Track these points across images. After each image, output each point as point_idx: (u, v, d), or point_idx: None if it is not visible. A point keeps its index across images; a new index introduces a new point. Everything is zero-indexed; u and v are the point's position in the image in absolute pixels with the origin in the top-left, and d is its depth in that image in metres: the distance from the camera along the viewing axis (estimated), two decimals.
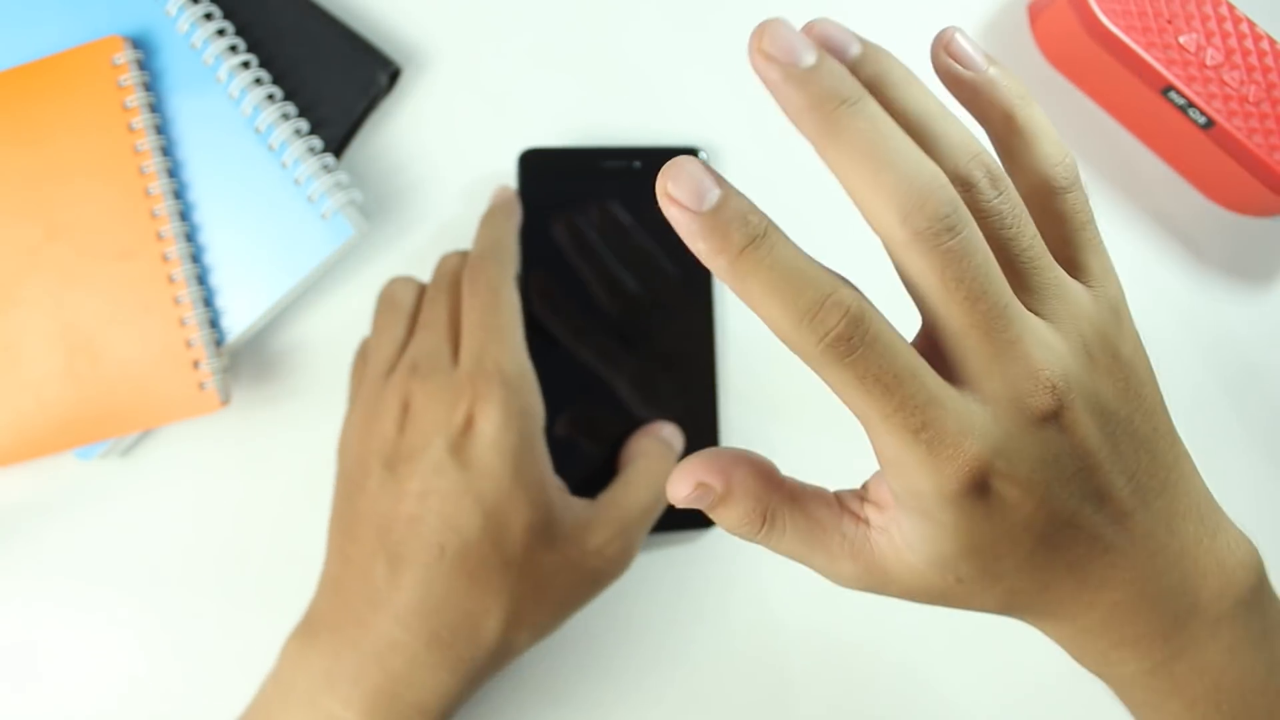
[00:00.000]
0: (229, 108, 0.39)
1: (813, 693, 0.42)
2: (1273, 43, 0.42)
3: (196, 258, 0.39)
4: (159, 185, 0.38)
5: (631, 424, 0.40)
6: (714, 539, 0.42)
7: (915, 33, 0.45)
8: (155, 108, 0.39)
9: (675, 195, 0.21)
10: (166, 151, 0.39)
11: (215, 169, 0.39)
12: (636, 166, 0.42)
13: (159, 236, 0.38)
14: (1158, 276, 0.46)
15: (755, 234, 0.21)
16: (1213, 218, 0.47)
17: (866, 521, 0.25)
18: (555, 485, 0.36)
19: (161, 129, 0.39)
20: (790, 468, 0.26)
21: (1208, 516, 0.26)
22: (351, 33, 0.41)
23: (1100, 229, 0.26)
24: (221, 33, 0.40)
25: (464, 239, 0.40)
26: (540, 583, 0.35)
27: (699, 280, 0.42)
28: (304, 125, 0.40)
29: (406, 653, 0.33)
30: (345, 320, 0.41)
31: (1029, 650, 0.43)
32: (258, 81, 0.40)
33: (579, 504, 0.37)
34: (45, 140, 0.39)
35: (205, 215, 0.39)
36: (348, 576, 0.35)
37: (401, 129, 0.42)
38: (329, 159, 0.40)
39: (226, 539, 0.40)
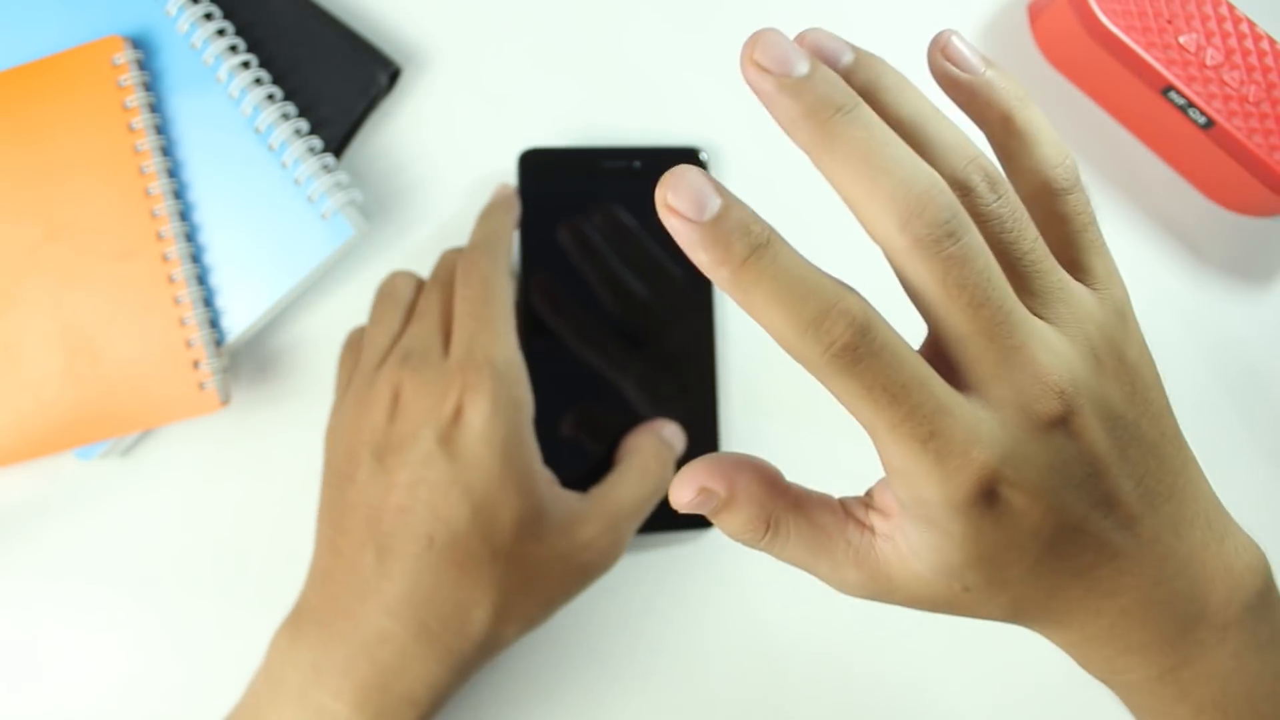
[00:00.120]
0: (229, 108, 0.39)
1: (810, 693, 0.42)
2: (1273, 43, 0.42)
3: (196, 258, 0.39)
4: (159, 185, 0.38)
5: (631, 422, 0.40)
6: (713, 539, 0.42)
7: (915, 34, 0.45)
8: (155, 108, 0.39)
9: (675, 205, 0.21)
10: (166, 151, 0.39)
11: (215, 169, 0.39)
12: (636, 167, 0.42)
13: (159, 236, 0.38)
14: (1158, 277, 0.46)
15: (757, 243, 0.21)
16: (1213, 218, 0.47)
17: (871, 529, 0.25)
18: (545, 477, 0.36)
19: (161, 129, 0.39)
20: (789, 469, 0.26)
21: (1215, 521, 0.26)
22: (351, 33, 0.41)
23: (1102, 230, 0.25)
24: (221, 33, 0.40)
25: (464, 238, 0.40)
26: (529, 574, 0.35)
27: (699, 280, 0.42)
28: (304, 125, 0.40)
29: (395, 644, 0.33)
30: (345, 320, 0.41)
31: (1027, 652, 0.43)
32: (258, 81, 0.40)
33: (569, 496, 0.37)
34: (45, 140, 0.39)
35: (205, 215, 0.39)
36: (336, 568, 0.35)
37: (401, 129, 0.42)
38: (329, 159, 0.40)
39: (226, 539, 0.40)
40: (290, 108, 0.40)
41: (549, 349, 0.40)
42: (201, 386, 0.38)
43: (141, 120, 0.39)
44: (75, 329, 0.38)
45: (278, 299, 0.39)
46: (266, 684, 0.34)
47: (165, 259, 0.38)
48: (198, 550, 0.40)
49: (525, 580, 0.35)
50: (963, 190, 0.22)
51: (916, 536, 0.23)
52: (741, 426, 0.42)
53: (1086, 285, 0.24)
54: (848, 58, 0.23)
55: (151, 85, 0.39)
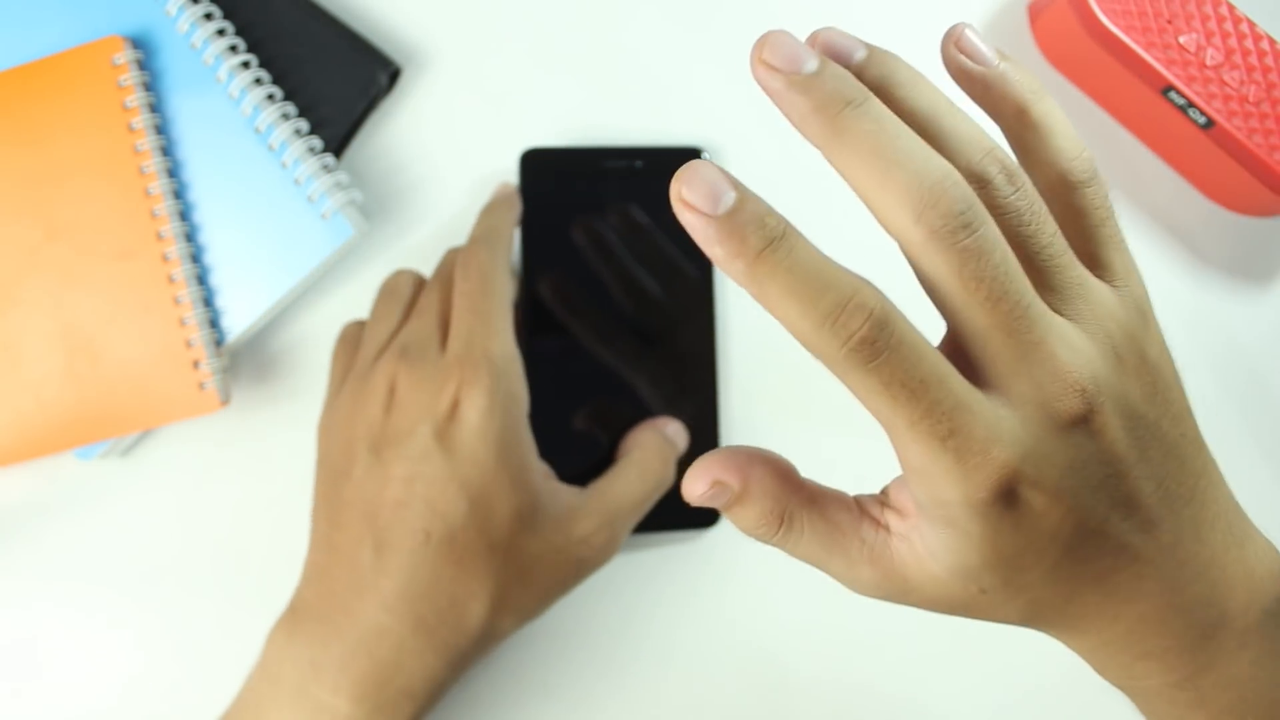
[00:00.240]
0: (229, 108, 0.39)
1: (811, 693, 0.42)
2: (1273, 43, 0.42)
3: (196, 258, 0.39)
4: (159, 185, 0.38)
5: (632, 419, 0.40)
6: (714, 539, 0.42)
7: (916, 34, 0.45)
8: (155, 108, 0.39)
9: (690, 200, 0.21)
10: (166, 151, 0.39)
11: (215, 169, 0.39)
12: (638, 166, 0.42)
13: (159, 236, 0.38)
14: (1158, 277, 0.46)
15: (773, 236, 0.20)
16: (1213, 218, 0.46)
17: (887, 528, 0.24)
18: (541, 471, 0.36)
19: (161, 129, 0.39)
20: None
21: (1236, 525, 0.25)
22: (351, 33, 0.41)
23: (1120, 225, 0.25)
24: (221, 33, 0.40)
25: (465, 238, 0.40)
26: (525, 568, 0.35)
27: (701, 278, 0.42)
28: (304, 125, 0.40)
29: (393, 639, 0.33)
30: (345, 320, 0.41)
31: (1028, 654, 0.43)
32: (258, 81, 0.40)
33: (567, 491, 0.37)
34: (45, 140, 0.39)
35: (205, 215, 0.39)
36: (333, 564, 0.35)
37: (401, 129, 0.42)
38: (329, 159, 0.40)
39: (226, 539, 0.40)
40: (290, 108, 0.40)
41: (550, 345, 0.40)
42: (201, 386, 0.38)
43: (141, 120, 0.39)
44: (75, 329, 0.38)
45: (278, 299, 0.39)
46: (264, 680, 0.34)
47: (165, 259, 0.38)
48: (198, 550, 0.40)
49: (521, 574, 0.35)
50: (979, 183, 0.22)
51: (933, 537, 0.23)
52: (742, 425, 0.42)
53: (1105, 281, 0.24)
54: (860, 54, 0.23)
55: (151, 85, 0.39)
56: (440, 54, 0.43)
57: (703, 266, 0.42)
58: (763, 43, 0.22)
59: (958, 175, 0.21)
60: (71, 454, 0.40)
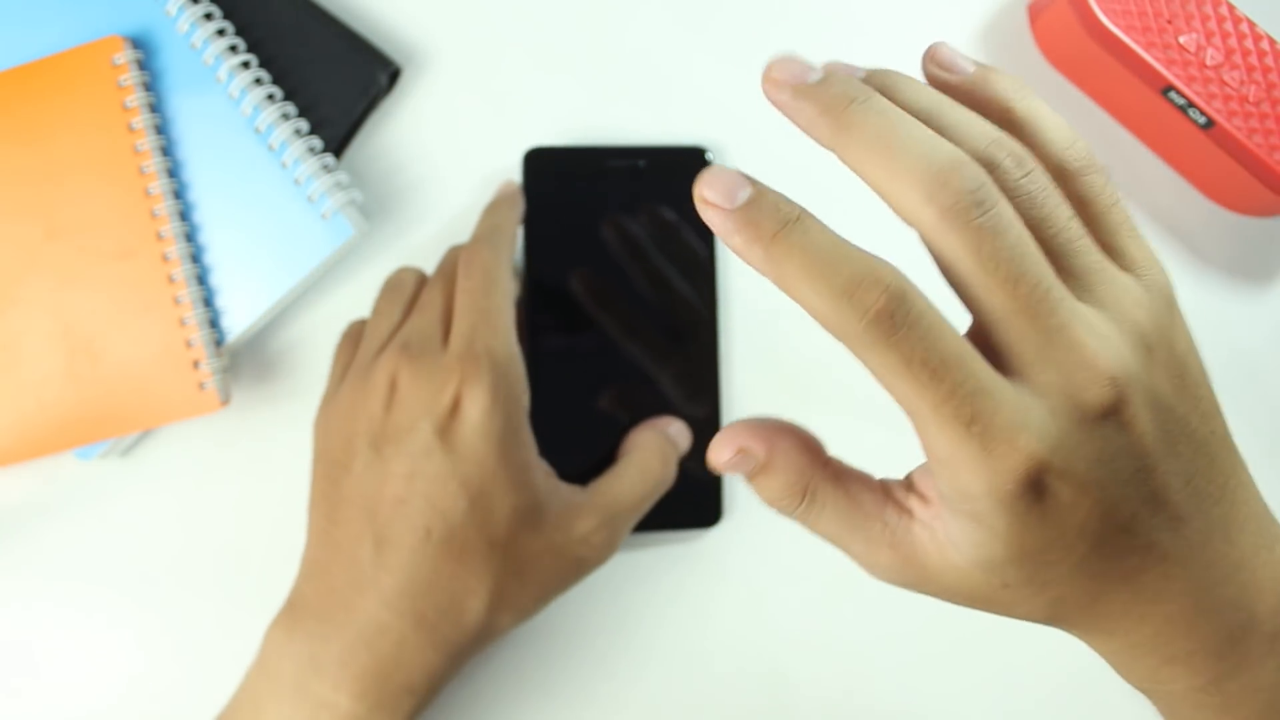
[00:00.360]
0: (229, 108, 0.39)
1: (810, 693, 0.42)
2: (1273, 43, 0.42)
3: (196, 258, 0.39)
4: (159, 185, 0.38)
5: (635, 418, 0.40)
6: (714, 539, 0.42)
7: (915, 34, 0.45)
8: (155, 108, 0.39)
9: (709, 198, 0.21)
10: (166, 151, 0.39)
11: (215, 169, 0.39)
12: (641, 166, 0.42)
13: (159, 236, 0.38)
14: None
15: (788, 219, 0.21)
16: (1213, 218, 0.46)
17: (910, 513, 0.24)
18: (542, 469, 0.36)
19: (161, 129, 0.39)
20: None
21: (1266, 527, 0.25)
22: (351, 33, 0.41)
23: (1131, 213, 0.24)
24: (221, 33, 0.40)
25: (464, 237, 0.40)
26: (524, 566, 0.35)
27: (704, 278, 0.42)
28: (304, 125, 0.40)
29: (394, 635, 0.33)
30: (346, 320, 0.41)
31: (1029, 655, 0.43)
32: (258, 81, 0.40)
33: (567, 489, 0.37)
34: (45, 140, 0.39)
35: (205, 215, 0.39)
36: (332, 560, 0.35)
37: (401, 129, 0.42)
38: (329, 159, 0.40)
39: (226, 539, 0.40)
40: (290, 108, 0.40)
41: (551, 344, 0.40)
42: (201, 386, 0.38)
43: (141, 120, 0.39)
44: (75, 329, 0.38)
45: (278, 299, 0.39)
46: (263, 677, 0.34)
47: (165, 259, 0.38)
48: (198, 550, 0.40)
49: (520, 571, 0.35)
50: (989, 168, 0.22)
51: (956, 528, 0.22)
52: None
53: (1126, 271, 0.23)
54: (861, 73, 0.24)
55: (151, 85, 0.39)
56: (440, 54, 0.43)
57: (707, 266, 0.42)
58: (769, 66, 0.23)
59: (967, 157, 0.21)
60: (71, 454, 0.40)
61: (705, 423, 0.41)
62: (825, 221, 0.22)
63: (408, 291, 0.39)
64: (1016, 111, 0.24)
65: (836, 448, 0.25)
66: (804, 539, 0.42)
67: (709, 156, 0.42)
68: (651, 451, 0.39)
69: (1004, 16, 0.47)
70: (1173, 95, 0.42)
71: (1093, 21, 0.42)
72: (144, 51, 0.39)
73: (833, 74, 0.22)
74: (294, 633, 0.34)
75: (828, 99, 0.22)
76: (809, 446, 0.25)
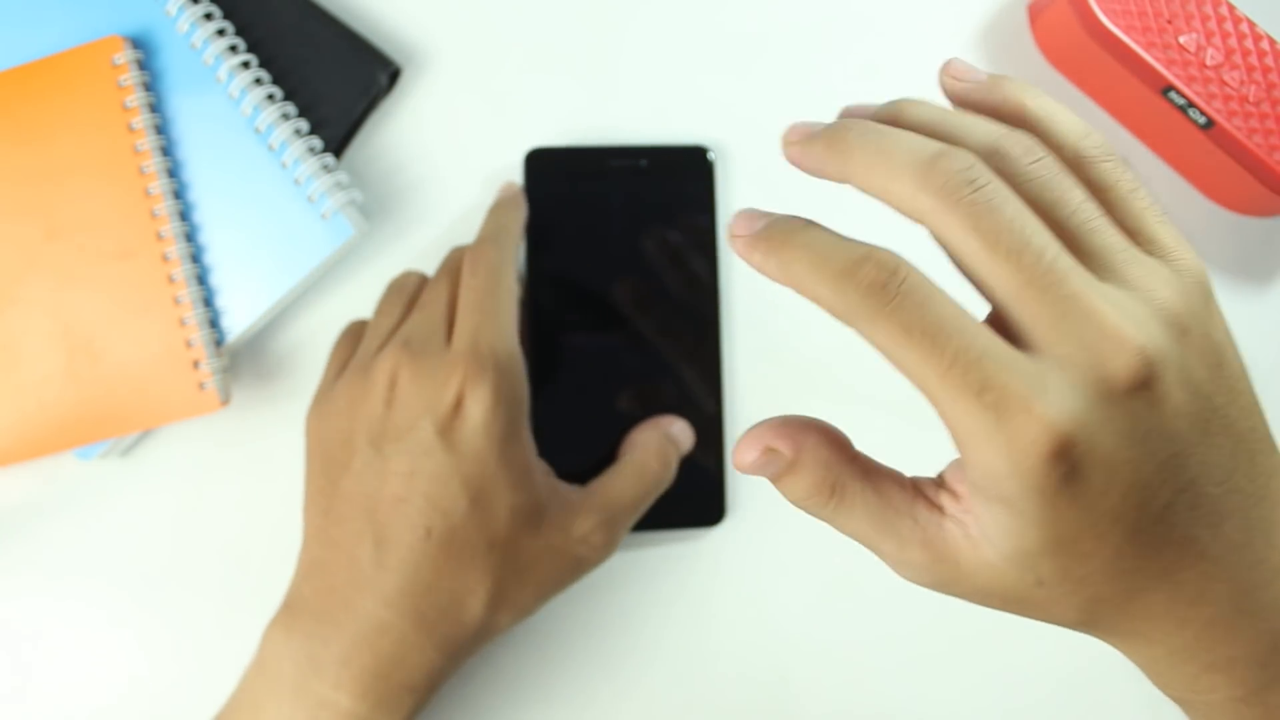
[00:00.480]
0: (229, 108, 0.39)
1: (810, 693, 0.42)
2: (1273, 43, 0.42)
3: (196, 258, 0.39)
4: (159, 185, 0.38)
5: (636, 417, 0.40)
6: (714, 539, 0.42)
7: (915, 35, 0.45)
8: (155, 108, 0.39)
9: (735, 231, 0.23)
10: (166, 151, 0.39)
11: (215, 169, 0.39)
12: (642, 165, 0.42)
13: (159, 236, 0.38)
14: None
15: (795, 228, 0.22)
16: (1213, 218, 0.46)
17: (941, 509, 0.23)
18: (541, 469, 0.36)
19: (161, 129, 0.39)
20: None
21: None
22: (351, 33, 0.41)
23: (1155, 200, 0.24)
24: (221, 33, 0.40)
25: (465, 238, 0.40)
26: (523, 565, 0.35)
27: (706, 277, 0.42)
28: (304, 125, 0.40)
29: (395, 634, 0.33)
30: (346, 320, 0.41)
31: (1030, 656, 0.43)
32: (258, 81, 0.40)
33: (566, 489, 0.37)
34: (45, 140, 0.39)
35: (205, 215, 0.39)
36: (331, 559, 0.35)
37: (401, 129, 0.42)
38: (329, 159, 0.40)
39: (226, 539, 0.40)
40: (290, 108, 0.40)
41: (552, 344, 0.40)
42: (201, 386, 0.38)
43: (141, 120, 0.39)
44: (75, 329, 0.38)
45: (278, 299, 0.39)
46: (261, 677, 0.34)
47: (165, 259, 0.38)
48: (198, 550, 0.40)
49: (520, 570, 0.35)
50: (999, 156, 0.22)
51: (989, 518, 0.22)
52: (748, 424, 0.42)
53: (1155, 257, 0.22)
54: (873, 109, 0.25)
55: (151, 85, 0.39)
56: (440, 54, 0.43)
57: (709, 265, 0.42)
58: (786, 133, 0.25)
59: (957, 149, 0.21)
60: (71, 454, 0.40)
61: (709, 421, 0.41)
62: (823, 214, 0.23)
63: (410, 291, 0.39)
64: (1030, 109, 0.24)
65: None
66: (806, 539, 0.42)
67: (710, 156, 0.42)
68: (650, 451, 0.39)
69: (1004, 16, 0.47)
70: (1173, 95, 0.42)
71: (1093, 21, 0.42)
72: (144, 51, 0.39)
73: (839, 120, 0.24)
74: (292, 632, 0.34)
75: (830, 137, 0.23)
76: (837, 442, 0.24)
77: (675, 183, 0.42)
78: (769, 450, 0.24)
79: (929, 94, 0.25)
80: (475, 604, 0.34)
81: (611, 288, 0.41)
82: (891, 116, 0.24)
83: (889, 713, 0.42)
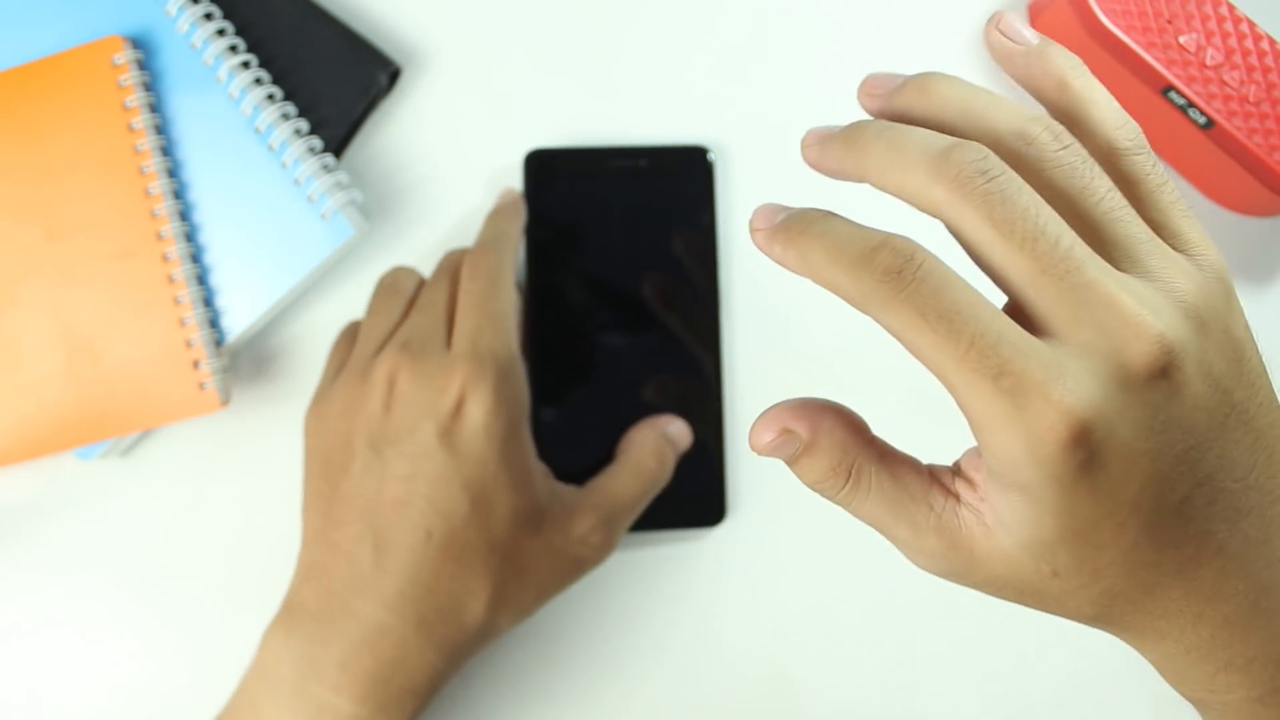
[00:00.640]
0: (229, 108, 0.39)
1: (810, 693, 0.42)
2: (1273, 43, 0.42)
3: (196, 258, 0.39)
4: (159, 185, 0.38)
5: (635, 417, 0.40)
6: (714, 539, 0.42)
7: (915, 35, 0.45)
8: (155, 108, 0.39)
9: (756, 225, 0.23)
10: (166, 151, 0.39)
11: (215, 169, 0.39)
12: (642, 165, 0.42)
13: (159, 236, 0.38)
14: None
15: (814, 218, 0.22)
16: (1213, 218, 0.46)
17: (957, 496, 0.23)
18: (541, 471, 0.37)
19: (161, 129, 0.39)
20: None
21: None
22: (351, 33, 0.41)
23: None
24: (221, 33, 0.40)
25: (464, 239, 0.40)
26: (523, 566, 0.35)
27: (706, 277, 0.42)
28: (304, 125, 0.40)
29: (395, 637, 0.33)
30: (345, 320, 0.41)
31: (1030, 655, 0.43)
32: (258, 81, 0.40)
33: (565, 490, 0.37)
34: (45, 140, 0.39)
35: (205, 215, 0.39)
36: (331, 562, 0.35)
37: (401, 129, 0.42)
38: (329, 159, 0.40)
39: (226, 539, 0.40)
40: (290, 108, 0.40)
41: (551, 345, 0.40)
42: (201, 386, 0.38)
43: (141, 120, 0.39)
44: (75, 329, 0.38)
45: (278, 299, 0.39)
46: (261, 680, 0.34)
47: (165, 259, 0.38)
48: (198, 550, 0.40)
49: (520, 572, 0.35)
50: (1025, 141, 0.22)
51: (1005, 506, 0.21)
52: (748, 424, 0.42)
53: (1178, 250, 0.22)
54: (900, 80, 0.25)
55: (151, 85, 0.39)
56: (440, 54, 0.43)
57: (709, 265, 0.42)
58: (804, 137, 0.25)
59: (971, 142, 0.21)
60: (71, 454, 0.40)
61: (709, 421, 0.41)
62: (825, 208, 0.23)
63: (405, 292, 0.39)
64: (1072, 86, 0.24)
65: None
66: (806, 539, 0.42)
67: (710, 157, 0.42)
68: (647, 450, 0.39)
69: None
70: (1173, 95, 0.42)
71: (1093, 21, 0.42)
72: (144, 51, 0.39)
73: (849, 127, 0.24)
74: (292, 635, 0.34)
75: (847, 138, 0.23)
76: (854, 425, 0.24)
77: (675, 183, 0.42)
78: (785, 432, 0.24)
79: None
80: (476, 606, 0.34)
81: (611, 288, 0.41)
82: (919, 88, 0.24)
83: (889, 712, 0.42)
